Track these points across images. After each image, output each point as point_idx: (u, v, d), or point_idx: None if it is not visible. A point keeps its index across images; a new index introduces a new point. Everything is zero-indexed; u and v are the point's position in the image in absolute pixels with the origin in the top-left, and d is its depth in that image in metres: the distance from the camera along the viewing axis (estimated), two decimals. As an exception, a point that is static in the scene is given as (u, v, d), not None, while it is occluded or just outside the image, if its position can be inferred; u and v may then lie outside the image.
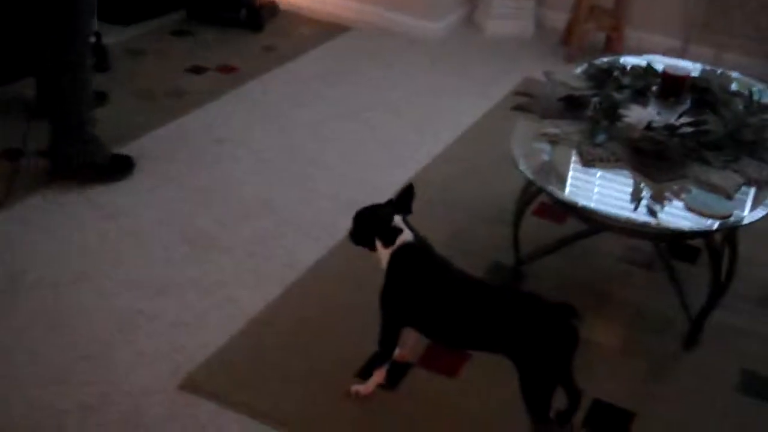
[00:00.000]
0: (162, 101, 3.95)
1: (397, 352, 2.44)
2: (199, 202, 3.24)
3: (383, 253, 2.27)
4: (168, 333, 2.61)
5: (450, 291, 2.22)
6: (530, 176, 2.59)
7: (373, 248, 2.30)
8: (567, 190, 2.57)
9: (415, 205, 3.30)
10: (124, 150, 3.44)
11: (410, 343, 2.49)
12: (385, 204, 2.34)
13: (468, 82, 4.41)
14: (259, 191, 3.35)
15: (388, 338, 2.34)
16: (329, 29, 4.90)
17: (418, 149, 3.73)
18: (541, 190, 2.62)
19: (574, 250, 3.04)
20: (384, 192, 3.36)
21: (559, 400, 2.24)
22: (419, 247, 2.27)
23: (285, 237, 3.09)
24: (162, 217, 3.14)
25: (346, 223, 3.09)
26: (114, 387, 2.39)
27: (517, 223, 2.85)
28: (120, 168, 3.33)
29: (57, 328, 2.59)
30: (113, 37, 4.39)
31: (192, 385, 2.42)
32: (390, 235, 2.25)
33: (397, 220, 2.27)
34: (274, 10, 5.02)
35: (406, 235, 2.26)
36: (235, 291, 2.81)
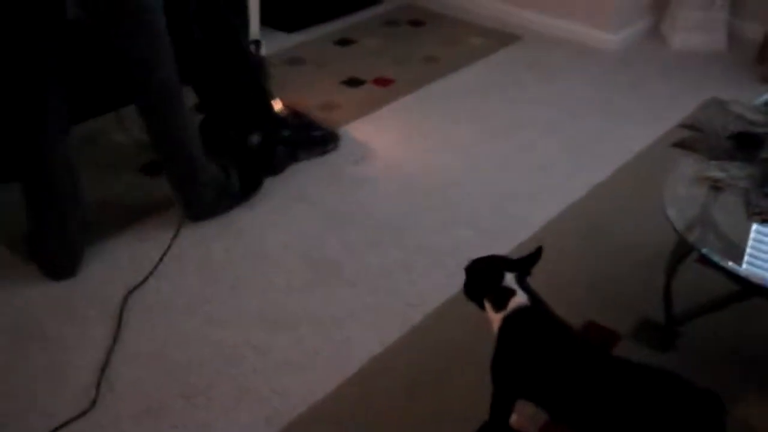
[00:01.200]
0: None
1: (514, 418, 2.18)
2: (328, 226, 3.09)
3: (494, 317, 2.01)
4: (273, 372, 2.46)
5: (571, 366, 1.92)
6: (681, 230, 2.24)
7: (482, 308, 2.05)
8: (726, 250, 2.20)
9: (562, 244, 3.04)
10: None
11: (529, 411, 2.22)
12: (501, 259, 2.07)
13: (642, 102, 4.01)
14: (394, 216, 3.15)
15: (499, 411, 2.07)
16: (498, 39, 4.63)
17: (574, 177, 3.41)
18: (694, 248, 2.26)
19: (738, 307, 2.63)
20: (530, 224, 3.09)
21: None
22: (536, 312, 1.99)
23: (414, 270, 2.88)
24: (288, 240, 3.00)
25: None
26: (208, 429, 2.27)
27: (670, 276, 2.50)
28: (251, 187, 3.19)
29: (161, 357, 2.50)
30: (275, 47, 4.34)
31: (292, 436, 2.26)
32: (500, 296, 1.99)
33: (509, 279, 2.00)
34: (327, 141, 3.53)
35: (520, 298, 1.98)
36: (351, 330, 2.62)
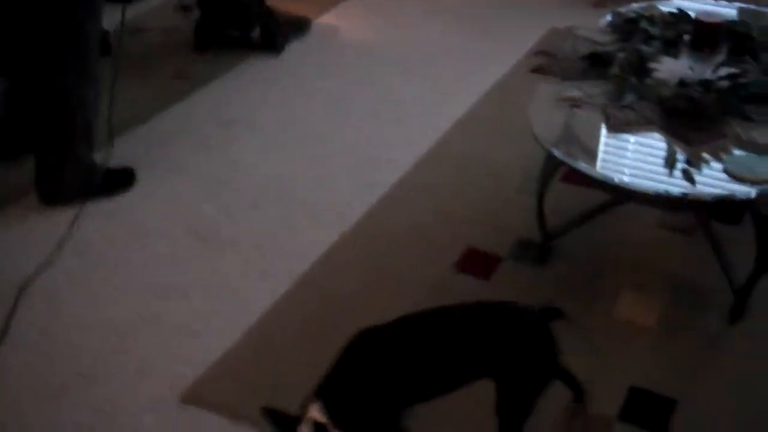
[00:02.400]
0: (165, 83, 3.76)
1: None
2: (205, 192, 3.06)
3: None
4: (170, 340, 2.44)
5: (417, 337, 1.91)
6: (550, 148, 2.36)
7: None
8: (591, 161, 2.34)
9: (437, 180, 3.12)
10: (125, 138, 3.26)
11: None
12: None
13: (488, 39, 4.13)
14: (270, 175, 3.15)
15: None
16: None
17: (438, 115, 3.49)
18: (563, 163, 2.38)
19: (606, 218, 2.79)
20: (401, 166, 3.16)
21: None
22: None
23: (295, 225, 2.90)
24: (167, 211, 2.96)
25: (361, 207, 2.93)
26: (112, 404, 2.24)
27: (541, 196, 2.62)
28: (118, 185, 3.06)
29: (52, 339, 2.44)
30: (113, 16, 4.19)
31: (195, 397, 2.25)
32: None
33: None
34: (303, 25, 4.17)
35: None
36: (241, 289, 2.63)
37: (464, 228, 2.84)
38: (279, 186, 3.09)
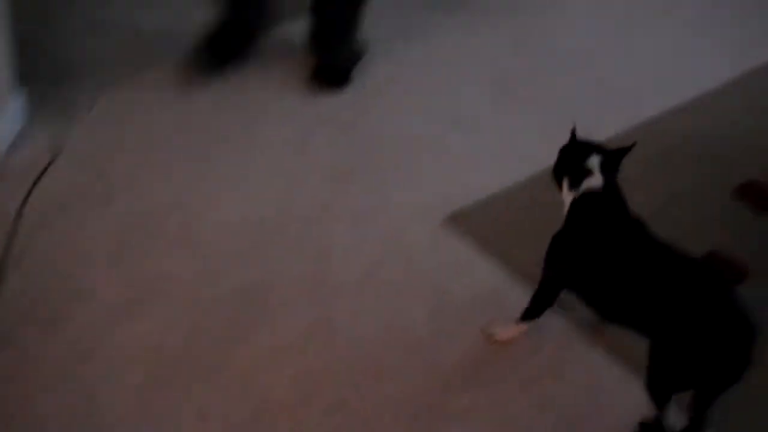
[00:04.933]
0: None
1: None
2: (511, 47, 3.16)
3: (566, 197, 1.91)
4: (450, 164, 2.64)
5: (626, 258, 1.81)
6: None
7: (560, 188, 1.95)
8: None
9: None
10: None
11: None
12: (593, 143, 1.94)
13: None
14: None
15: (543, 298, 2.00)
16: None
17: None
18: None
19: None
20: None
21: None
22: (606, 199, 1.86)
23: (593, 101, 2.93)
24: (475, 61, 3.08)
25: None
26: (385, 201, 2.47)
27: None
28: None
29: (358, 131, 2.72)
30: None
31: (458, 222, 2.42)
32: (577, 175, 1.87)
33: (593, 160, 1.87)
34: None
35: (595, 180, 1.85)
36: (529, 141, 2.73)
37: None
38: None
